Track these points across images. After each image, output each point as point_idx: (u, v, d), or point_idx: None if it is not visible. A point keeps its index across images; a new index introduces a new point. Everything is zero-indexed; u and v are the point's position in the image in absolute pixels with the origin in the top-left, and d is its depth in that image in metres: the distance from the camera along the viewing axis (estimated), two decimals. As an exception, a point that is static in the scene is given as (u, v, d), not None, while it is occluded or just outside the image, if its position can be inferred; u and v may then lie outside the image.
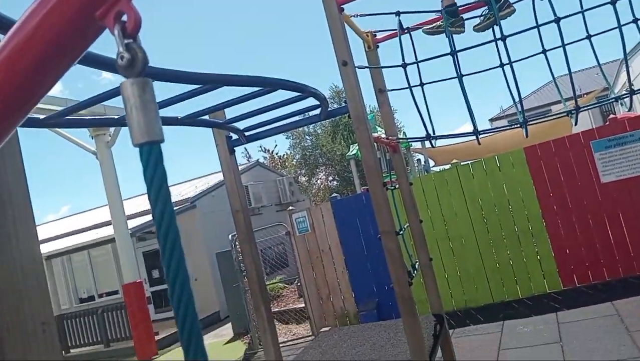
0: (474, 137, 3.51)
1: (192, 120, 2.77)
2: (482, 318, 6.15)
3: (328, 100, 3.45)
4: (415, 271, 3.67)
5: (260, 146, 22.48)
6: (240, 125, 3.44)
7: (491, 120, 26.80)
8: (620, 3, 3.02)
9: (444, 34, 3.54)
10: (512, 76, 2.88)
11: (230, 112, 3.35)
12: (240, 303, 8.16)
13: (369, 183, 3.03)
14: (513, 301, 6.35)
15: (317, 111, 3.69)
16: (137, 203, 15.60)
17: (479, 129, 3.44)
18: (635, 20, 3.09)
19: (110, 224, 10.84)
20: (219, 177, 15.30)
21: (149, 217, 12.33)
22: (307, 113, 3.61)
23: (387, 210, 3.02)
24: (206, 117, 3.11)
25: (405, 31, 3.65)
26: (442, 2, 3.65)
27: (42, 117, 2.46)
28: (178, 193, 14.78)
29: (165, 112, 2.59)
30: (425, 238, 4.18)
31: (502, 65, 3.24)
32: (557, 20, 3.05)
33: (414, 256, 4.06)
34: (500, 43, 3.18)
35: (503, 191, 6.48)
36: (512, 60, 3.03)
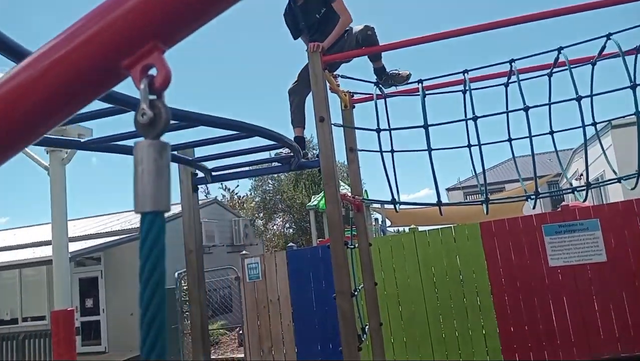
0: (436, 206, 3.57)
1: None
2: (423, 389, 6.03)
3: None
4: (365, 336, 3.59)
5: (222, 184, 22.18)
6: (208, 165, 3.38)
7: (448, 189, 27.68)
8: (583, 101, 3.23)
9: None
10: (480, 157, 2.98)
11: (199, 151, 3.30)
12: (175, 347, 7.72)
13: (331, 240, 2.99)
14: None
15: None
16: (82, 225, 14.87)
17: (440, 199, 3.51)
18: (594, 123, 3.30)
19: (49, 244, 10.20)
20: (173, 210, 14.87)
21: (92, 242, 11.73)
22: (276, 162, 3.61)
23: (345, 270, 2.98)
24: (174, 152, 3.05)
25: (382, 97, 3.75)
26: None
27: None
28: (127, 220, 14.21)
29: (130, 142, 2.51)
30: (378, 301, 4.14)
31: (469, 145, 3.36)
32: (526, 109, 3.21)
33: (365, 318, 3.99)
34: (470, 122, 3.32)
35: (456, 263, 6.56)
36: (481, 142, 3.15)
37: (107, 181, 42.11)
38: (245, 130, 2.21)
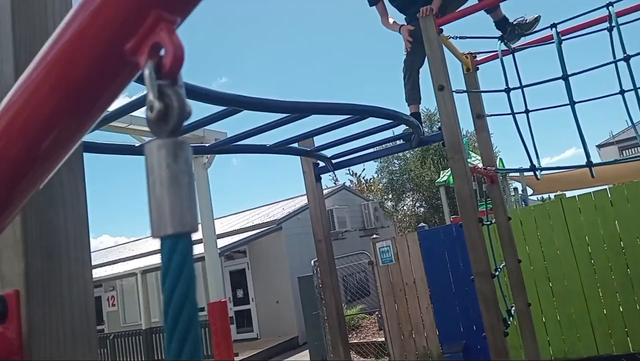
0: (585, 168, 3.13)
1: (281, 148, 2.74)
2: (586, 372, 5.44)
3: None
4: (512, 318, 3.31)
5: (348, 169, 22.48)
6: (328, 152, 3.37)
7: (599, 146, 24.60)
8: None
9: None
10: (638, 104, 2.50)
11: (317, 140, 3.30)
12: (319, 332, 8.00)
13: (463, 218, 2.78)
14: (623, 356, 5.57)
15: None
16: (228, 222, 16.21)
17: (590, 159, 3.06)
18: None
19: (200, 242, 11.32)
20: (305, 200, 15.46)
21: (237, 237, 12.71)
22: (397, 141, 3.47)
23: (482, 249, 2.75)
24: (295, 144, 3.08)
25: (509, 52, 3.38)
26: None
27: (137, 144, 2.56)
28: (265, 214, 15.14)
29: (252, 140, 2.58)
30: (524, 279, 3.79)
31: (622, 92, 2.86)
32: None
33: (509, 298, 3.69)
34: (621, 64, 2.82)
35: (615, 229, 5.76)
36: (637, 86, 2.65)
37: (247, 179, 45.67)
38: (358, 112, 2.11)
